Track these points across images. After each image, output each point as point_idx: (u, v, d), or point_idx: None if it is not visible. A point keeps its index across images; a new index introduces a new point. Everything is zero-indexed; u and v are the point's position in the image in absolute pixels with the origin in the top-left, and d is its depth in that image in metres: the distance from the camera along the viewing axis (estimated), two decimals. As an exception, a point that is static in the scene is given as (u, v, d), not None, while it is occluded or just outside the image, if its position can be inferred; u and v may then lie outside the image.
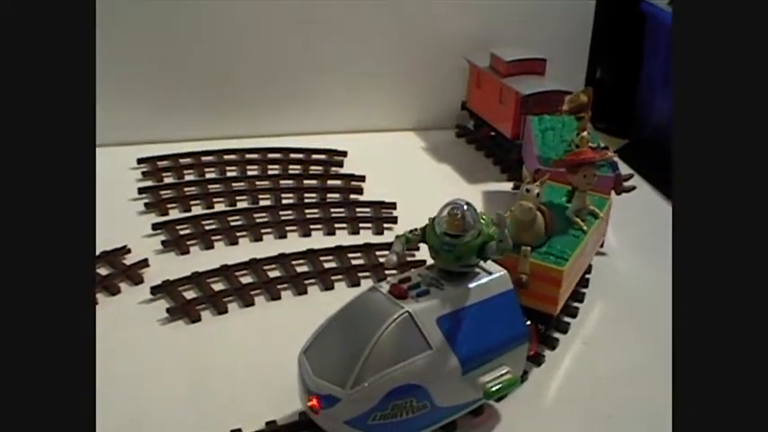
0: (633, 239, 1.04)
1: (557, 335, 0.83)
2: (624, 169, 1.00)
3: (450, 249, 0.65)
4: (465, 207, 0.65)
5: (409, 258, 0.91)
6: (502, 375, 0.67)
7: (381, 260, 0.93)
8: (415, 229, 0.68)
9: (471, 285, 0.67)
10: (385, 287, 0.65)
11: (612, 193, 0.96)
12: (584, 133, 0.89)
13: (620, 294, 0.93)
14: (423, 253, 0.88)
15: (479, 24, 1.32)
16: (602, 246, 0.98)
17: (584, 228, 0.83)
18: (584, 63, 1.42)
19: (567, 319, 0.86)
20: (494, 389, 0.66)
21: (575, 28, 1.38)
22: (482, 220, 0.66)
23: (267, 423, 0.69)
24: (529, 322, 0.72)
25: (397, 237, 0.68)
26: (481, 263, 0.69)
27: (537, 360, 0.79)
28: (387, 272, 0.90)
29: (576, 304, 0.88)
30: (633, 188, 0.99)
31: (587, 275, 0.92)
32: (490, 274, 0.69)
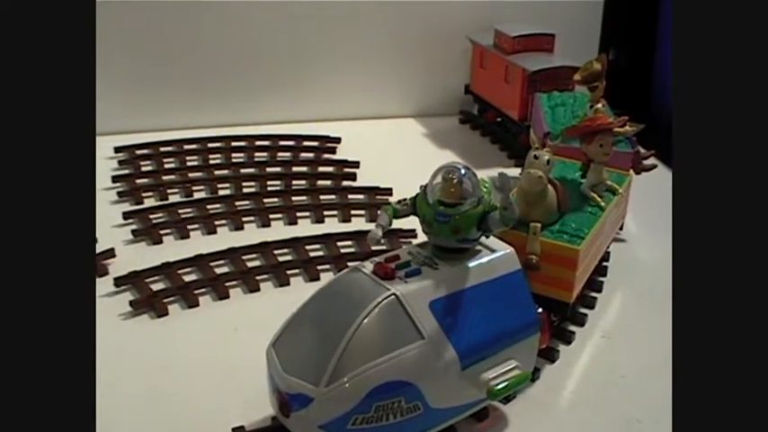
0: (654, 225, 0.96)
1: (572, 328, 0.75)
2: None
3: (446, 221, 0.55)
4: (462, 171, 0.56)
5: (396, 226, 0.76)
6: (509, 371, 0.58)
7: (375, 248, 0.84)
8: (404, 199, 0.59)
9: (471, 264, 0.58)
10: (368, 267, 0.56)
11: (632, 172, 0.86)
12: (599, 105, 0.80)
13: (642, 283, 0.85)
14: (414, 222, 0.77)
15: (483, 2, 1.24)
16: (621, 228, 0.89)
17: (602, 204, 0.74)
18: (596, 43, 1.34)
19: (583, 310, 0.78)
20: (499, 387, 0.57)
21: (585, 5, 1.30)
22: (483, 187, 0.57)
23: (234, 429, 0.60)
24: (540, 310, 0.62)
25: (383, 208, 0.58)
26: (483, 239, 0.59)
27: (550, 356, 0.70)
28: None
29: (593, 294, 0.80)
30: (654, 167, 0.90)
31: (605, 263, 0.83)
32: (494, 251, 0.59)
